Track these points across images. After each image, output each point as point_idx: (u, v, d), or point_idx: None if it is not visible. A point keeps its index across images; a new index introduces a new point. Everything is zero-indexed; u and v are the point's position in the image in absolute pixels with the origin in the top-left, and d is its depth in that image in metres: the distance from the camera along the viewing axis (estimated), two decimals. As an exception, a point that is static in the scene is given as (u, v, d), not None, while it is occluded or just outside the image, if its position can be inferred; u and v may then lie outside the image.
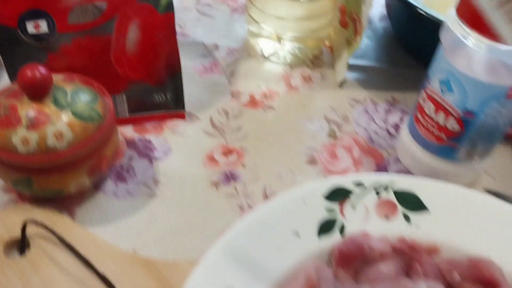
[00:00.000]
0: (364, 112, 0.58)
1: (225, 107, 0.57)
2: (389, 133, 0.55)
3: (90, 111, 0.42)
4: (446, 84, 0.42)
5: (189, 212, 0.46)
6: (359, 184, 0.40)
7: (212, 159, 0.51)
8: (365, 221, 0.38)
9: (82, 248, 0.39)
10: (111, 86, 0.48)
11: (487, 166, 0.51)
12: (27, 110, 0.40)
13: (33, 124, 0.39)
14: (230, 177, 0.49)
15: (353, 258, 0.35)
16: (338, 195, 0.39)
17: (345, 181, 0.40)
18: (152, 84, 0.52)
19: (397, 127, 0.56)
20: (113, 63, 0.50)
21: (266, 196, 0.48)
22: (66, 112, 0.41)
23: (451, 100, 0.42)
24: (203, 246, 0.42)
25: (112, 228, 0.44)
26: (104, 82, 0.46)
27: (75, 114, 0.41)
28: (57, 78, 0.43)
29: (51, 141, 0.39)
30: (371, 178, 0.40)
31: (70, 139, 0.40)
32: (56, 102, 0.41)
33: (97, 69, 0.49)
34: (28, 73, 0.39)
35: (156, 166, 0.50)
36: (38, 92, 0.40)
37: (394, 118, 0.57)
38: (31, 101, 0.40)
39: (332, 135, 0.55)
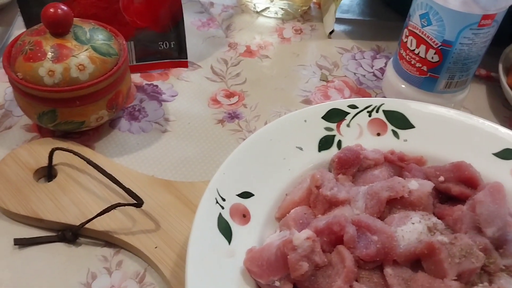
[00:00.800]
0: (352, 58, 0.63)
1: (223, 57, 0.61)
2: (375, 75, 0.60)
3: (108, 47, 0.46)
4: (425, 18, 0.47)
5: (199, 145, 0.51)
6: (353, 107, 0.45)
7: (215, 101, 0.56)
8: (359, 137, 0.43)
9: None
10: (120, 33, 0.52)
11: (465, 102, 0.56)
12: (51, 45, 0.44)
13: (57, 57, 0.43)
14: (233, 116, 0.54)
15: (351, 164, 0.40)
16: (335, 116, 0.44)
17: (340, 104, 0.45)
18: (157, 31, 0.56)
19: (382, 71, 0.61)
20: (122, 11, 0.53)
21: (267, 129, 0.52)
22: (86, 47, 0.44)
23: (430, 32, 0.47)
24: (214, 170, 0.47)
25: (130, 159, 0.48)
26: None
27: (94, 49, 0.45)
28: (75, 19, 0.46)
29: (74, 72, 0.43)
30: (363, 101, 0.45)
31: (91, 71, 0.44)
32: (77, 38, 0.44)
33: (106, 17, 0.53)
34: (51, 10, 0.43)
35: (165, 107, 0.54)
36: (60, 27, 0.44)
37: (379, 63, 0.62)
38: (54, 37, 0.44)
39: (324, 78, 0.60)
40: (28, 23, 0.52)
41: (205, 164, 0.49)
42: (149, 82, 0.57)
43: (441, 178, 0.40)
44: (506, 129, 0.43)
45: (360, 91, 0.58)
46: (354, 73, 0.61)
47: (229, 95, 0.56)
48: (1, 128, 0.50)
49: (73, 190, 0.43)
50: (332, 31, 0.65)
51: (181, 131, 0.52)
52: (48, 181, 0.45)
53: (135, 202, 0.40)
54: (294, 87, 0.58)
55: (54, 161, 0.45)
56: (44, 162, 0.45)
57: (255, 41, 0.64)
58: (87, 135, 0.50)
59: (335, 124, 0.44)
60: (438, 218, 0.37)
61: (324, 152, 0.42)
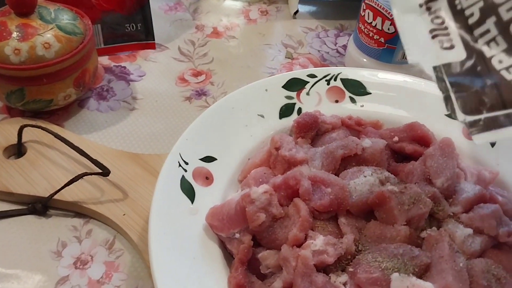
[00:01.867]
0: (317, 37, 0.65)
1: (191, 38, 0.63)
2: (338, 52, 0.63)
3: (73, 26, 0.47)
4: (380, -11, 0.49)
5: (167, 121, 0.52)
6: (312, 76, 0.46)
7: (183, 79, 0.57)
8: (318, 105, 0.45)
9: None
10: (87, 16, 0.53)
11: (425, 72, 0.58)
12: (16, 24, 0.45)
13: (23, 36, 0.44)
14: (201, 93, 0.55)
15: (309, 128, 0.42)
16: (295, 85, 0.46)
17: (300, 73, 0.46)
18: (123, 14, 0.57)
19: (345, 47, 0.63)
20: (87, -7, 0.54)
21: (233, 104, 0.54)
22: (51, 26, 0.45)
23: (385, 4, 0.50)
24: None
25: (99, 136, 0.50)
26: (80, 12, 0.51)
27: (60, 28, 0.46)
28: (40, 0, 0.47)
29: (40, 50, 0.44)
30: (322, 70, 0.47)
31: (57, 49, 0.45)
32: (42, 18, 0.45)
33: (73, 0, 0.54)
34: (15, -11, 0.44)
35: (133, 86, 0.56)
36: (24, 7, 0.45)
37: (343, 40, 0.64)
38: (19, 17, 0.45)
39: (289, 56, 0.61)
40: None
41: (172, 138, 0.50)
42: (117, 64, 0.58)
43: (396, 139, 0.42)
44: (457, 92, 0.46)
45: (324, 67, 0.60)
46: (318, 51, 0.63)
47: (197, 74, 0.58)
48: (-30, 110, 0.51)
49: (42, 164, 0.44)
50: (297, 11, 0.67)
51: (149, 109, 0.53)
52: (18, 157, 0.46)
53: (101, 171, 0.41)
54: (260, 65, 0.60)
55: (24, 139, 0.46)
56: (14, 140, 0.46)
57: (222, 23, 0.66)
58: (57, 115, 0.51)
59: (295, 92, 0.45)
60: (392, 174, 0.39)
61: (285, 119, 0.44)
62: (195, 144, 0.39)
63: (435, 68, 0.28)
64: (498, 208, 0.36)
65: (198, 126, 0.40)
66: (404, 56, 0.53)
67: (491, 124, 0.26)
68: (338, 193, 0.34)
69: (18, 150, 0.46)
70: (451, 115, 0.27)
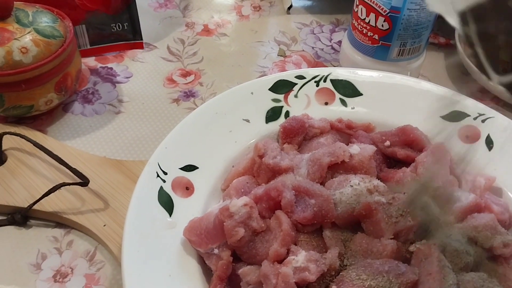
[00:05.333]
0: (311, 33, 0.63)
1: (180, 36, 0.61)
2: (333, 48, 0.60)
3: (52, 29, 0.45)
4: (372, -16, 0.47)
5: (153, 124, 0.50)
6: (300, 77, 0.44)
7: (171, 80, 0.55)
8: (307, 107, 0.43)
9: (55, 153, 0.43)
10: (71, 17, 0.51)
11: (423, 70, 0.56)
12: (-8, 28, 0.43)
13: (-2, 41, 0.43)
14: (189, 94, 0.54)
15: (296, 133, 0.40)
16: (283, 87, 0.44)
17: (288, 75, 0.44)
18: (108, 13, 0.55)
19: (340, 44, 0.61)
20: (70, -7, 0.53)
21: (222, 105, 0.52)
22: (29, 30, 0.44)
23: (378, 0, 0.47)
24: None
25: (82, 141, 0.48)
26: (64, 13, 0.49)
27: (38, 31, 0.44)
28: (17, 3, 0.46)
29: (17, 55, 0.43)
30: (311, 71, 0.45)
31: (35, 54, 0.43)
32: (19, 21, 0.44)
33: (55, 0, 0.52)
34: (-11, -7, 0.42)
35: (119, 88, 0.54)
36: (0, 11, 0.43)
37: (338, 36, 0.62)
38: (-6, 21, 0.43)
39: (282, 54, 0.59)
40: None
41: (158, 143, 0.48)
42: (104, 65, 0.56)
43: (387, 143, 0.40)
44: (453, 91, 0.43)
45: (318, 64, 0.58)
46: (312, 47, 0.60)
47: (185, 74, 0.56)
48: (-48, 117, 0.50)
49: (22, 173, 0.43)
50: (290, 6, 0.65)
51: (134, 112, 0.51)
52: (-1, 166, 0.44)
53: (80, 181, 0.40)
54: (251, 63, 0.58)
55: (4, 146, 0.45)
56: (-6, 148, 0.44)
57: (213, 20, 0.64)
58: (40, 120, 0.50)
59: (283, 95, 0.44)
60: (384, 181, 0.37)
61: (271, 124, 0.42)
62: (175, 152, 0.38)
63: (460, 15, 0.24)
64: (493, 218, 0.34)
65: (179, 133, 0.39)
66: (400, 53, 0.51)
67: None
68: (322, 204, 0.33)
69: (-2, 158, 0.44)
70: (487, 74, 0.23)
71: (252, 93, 0.43)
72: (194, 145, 0.39)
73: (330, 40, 0.62)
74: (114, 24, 0.56)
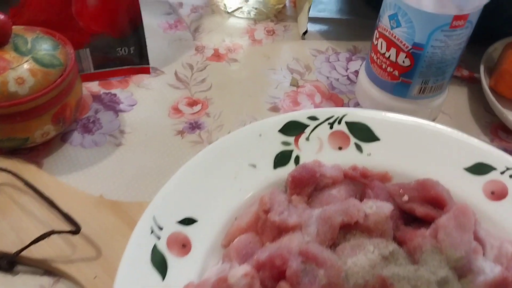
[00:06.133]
0: (326, 61, 0.59)
1: (189, 61, 0.58)
2: (349, 79, 0.57)
3: (51, 58, 0.43)
4: (394, 19, 0.43)
5: (155, 159, 0.47)
6: (313, 118, 0.41)
7: (177, 110, 0.52)
8: (319, 152, 0.40)
9: (48, 193, 0.40)
10: (75, 40, 0.48)
11: (444, 106, 0.52)
12: (-14, 57, 0.41)
13: (-7, 71, 0.40)
14: (195, 126, 0.51)
15: (306, 184, 0.37)
16: (293, 129, 0.41)
17: (300, 115, 0.41)
18: (114, 37, 0.53)
19: (357, 74, 0.57)
20: (75, 16, 0.50)
21: (229, 140, 0.49)
22: (27, 59, 0.41)
23: (400, 34, 0.44)
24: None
25: (79, 176, 0.45)
26: (67, 36, 0.47)
27: (36, 60, 0.42)
28: (17, 28, 0.43)
29: (12, 86, 0.40)
30: (324, 112, 0.42)
31: (31, 85, 0.41)
32: (17, 49, 0.41)
33: (59, 22, 0.50)
34: (-15, 20, 0.40)
35: (122, 117, 0.51)
36: (-4, 39, 0.41)
37: (355, 65, 0.59)
38: (-10, 49, 0.41)
39: (295, 83, 0.56)
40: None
41: (159, 181, 0.45)
42: (107, 91, 0.54)
43: (406, 198, 0.37)
44: (479, 140, 0.40)
45: (332, 96, 0.55)
46: (327, 77, 0.57)
47: (192, 103, 0.53)
48: None
49: (12, 213, 0.40)
50: (306, 31, 0.61)
51: (136, 144, 0.49)
52: (-11, 203, 0.42)
53: (70, 230, 0.37)
54: (262, 93, 0.55)
55: (-4, 181, 0.42)
56: (-15, 182, 0.42)
57: (224, 44, 0.61)
58: (36, 150, 0.47)
59: (293, 137, 0.40)
60: (400, 243, 0.34)
61: (280, 169, 0.39)
62: (174, 203, 0.35)
63: None
64: (523, 296, 0.30)
65: (178, 180, 0.36)
66: (421, 91, 0.47)
67: None
68: (332, 276, 0.29)
69: (-12, 194, 0.42)
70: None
71: (260, 135, 0.40)
72: (195, 194, 0.36)
73: (346, 69, 0.58)
74: (120, 48, 0.54)
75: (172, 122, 0.51)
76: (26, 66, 0.41)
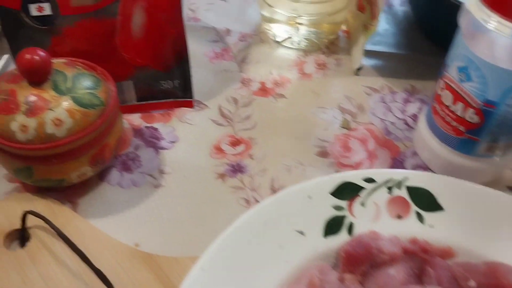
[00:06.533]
0: (381, 101, 0.55)
1: (234, 95, 0.55)
2: (407, 124, 0.52)
3: (92, 97, 0.40)
4: (464, 72, 0.39)
5: (194, 205, 0.45)
6: (370, 180, 0.37)
7: (219, 149, 0.49)
8: (375, 220, 0.36)
9: (81, 241, 0.38)
10: (118, 72, 0.46)
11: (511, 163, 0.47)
12: (26, 95, 0.39)
13: (31, 110, 0.38)
14: (237, 169, 0.48)
15: (361, 261, 0.33)
16: (347, 192, 0.37)
17: (354, 177, 0.37)
18: (159, 70, 0.50)
19: (415, 117, 0.53)
20: (119, 47, 0.48)
21: (273, 190, 0.46)
22: (66, 98, 0.39)
23: (470, 89, 0.39)
24: (207, 241, 0.41)
25: (115, 220, 0.43)
26: (110, 68, 0.45)
27: (75, 100, 0.39)
28: (58, 62, 0.41)
29: (50, 128, 0.38)
30: (383, 174, 0.38)
31: (69, 126, 0.39)
32: (56, 88, 0.39)
33: (102, 54, 0.48)
34: (27, 56, 0.38)
35: (162, 155, 0.49)
36: (37, 76, 0.39)
37: (412, 108, 0.54)
38: (30, 86, 0.39)
39: (346, 125, 0.52)
40: (16, 61, 0.47)
41: (197, 231, 0.43)
42: (149, 125, 0.51)
43: (472, 284, 0.33)
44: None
45: (387, 143, 0.50)
46: (382, 120, 0.53)
47: (235, 143, 0.50)
48: (-18, 176, 0.46)
49: (44, 261, 0.38)
50: (360, 67, 0.57)
51: (175, 187, 0.46)
52: (21, 246, 0.40)
53: (102, 290, 0.34)
54: (310, 135, 0.51)
55: (30, 222, 0.40)
56: (18, 224, 0.40)
57: (271, 77, 0.57)
58: (73, 188, 0.45)
59: (347, 202, 0.37)
60: None
61: (331, 238, 0.35)
62: (212, 276, 0.31)
63: None
64: None
65: (218, 249, 0.33)
66: (489, 149, 0.42)
67: None
68: None
69: (21, 237, 0.40)
70: None
71: (310, 197, 0.36)
72: (235, 266, 0.32)
73: (403, 112, 0.54)
74: (164, 81, 0.51)
75: (213, 163, 0.48)
76: (64, 106, 0.39)
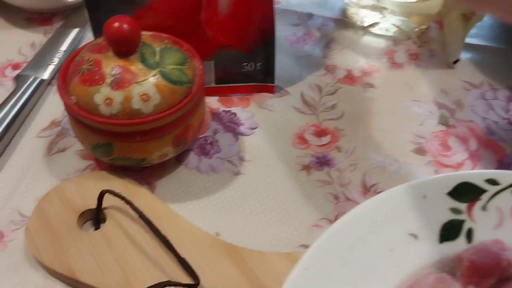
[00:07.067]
0: (481, 97, 0.50)
1: (318, 82, 0.51)
2: (511, 124, 0.47)
3: (180, 73, 0.37)
4: None
5: (277, 197, 0.41)
6: (493, 182, 0.32)
7: (302, 139, 0.46)
8: (499, 227, 0.31)
9: (160, 226, 0.35)
10: (199, 50, 0.43)
11: None
12: (113, 66, 0.36)
13: (118, 83, 0.35)
14: (323, 162, 0.44)
15: (489, 273, 0.28)
16: (467, 193, 0.32)
17: (475, 177, 0.33)
18: (242, 51, 0.47)
19: (521, 118, 0.47)
20: (203, 24, 0.45)
21: (366, 188, 0.41)
22: (154, 73, 0.36)
23: None
24: (293, 238, 0.37)
25: (193, 206, 0.40)
26: (192, 45, 0.42)
27: (163, 75, 0.36)
28: (145, 34, 0.38)
29: (136, 103, 0.35)
30: (508, 175, 0.33)
31: (157, 103, 0.36)
32: (144, 61, 0.36)
33: (185, 30, 0.45)
34: (115, 24, 0.35)
35: (242, 141, 0.45)
36: (125, 47, 0.36)
37: (517, 107, 0.49)
38: (117, 57, 0.36)
39: (444, 122, 0.47)
40: (97, 33, 0.45)
41: (280, 225, 0.39)
42: (227, 109, 0.48)
43: None
44: None
45: (491, 143, 0.45)
46: (483, 118, 0.47)
47: (320, 133, 0.46)
48: (55, 149, 0.44)
49: (120, 244, 0.36)
50: (458, 60, 0.52)
51: (256, 176, 0.42)
52: (95, 228, 0.37)
53: (189, 283, 0.31)
54: (404, 129, 0.46)
55: (105, 203, 0.38)
56: (93, 203, 0.37)
57: (358, 65, 0.53)
58: (150, 170, 0.42)
59: (466, 204, 0.32)
60: None
61: (447, 244, 0.31)
62: (316, 278, 0.28)
63: None
64: None
65: (323, 248, 0.29)
66: None
67: None
68: None
69: (96, 219, 0.37)
70: None
71: (425, 196, 0.32)
72: (342, 268, 0.28)
73: (507, 111, 0.48)
74: (246, 63, 0.48)
75: (296, 154, 0.44)
76: (152, 81, 0.36)
